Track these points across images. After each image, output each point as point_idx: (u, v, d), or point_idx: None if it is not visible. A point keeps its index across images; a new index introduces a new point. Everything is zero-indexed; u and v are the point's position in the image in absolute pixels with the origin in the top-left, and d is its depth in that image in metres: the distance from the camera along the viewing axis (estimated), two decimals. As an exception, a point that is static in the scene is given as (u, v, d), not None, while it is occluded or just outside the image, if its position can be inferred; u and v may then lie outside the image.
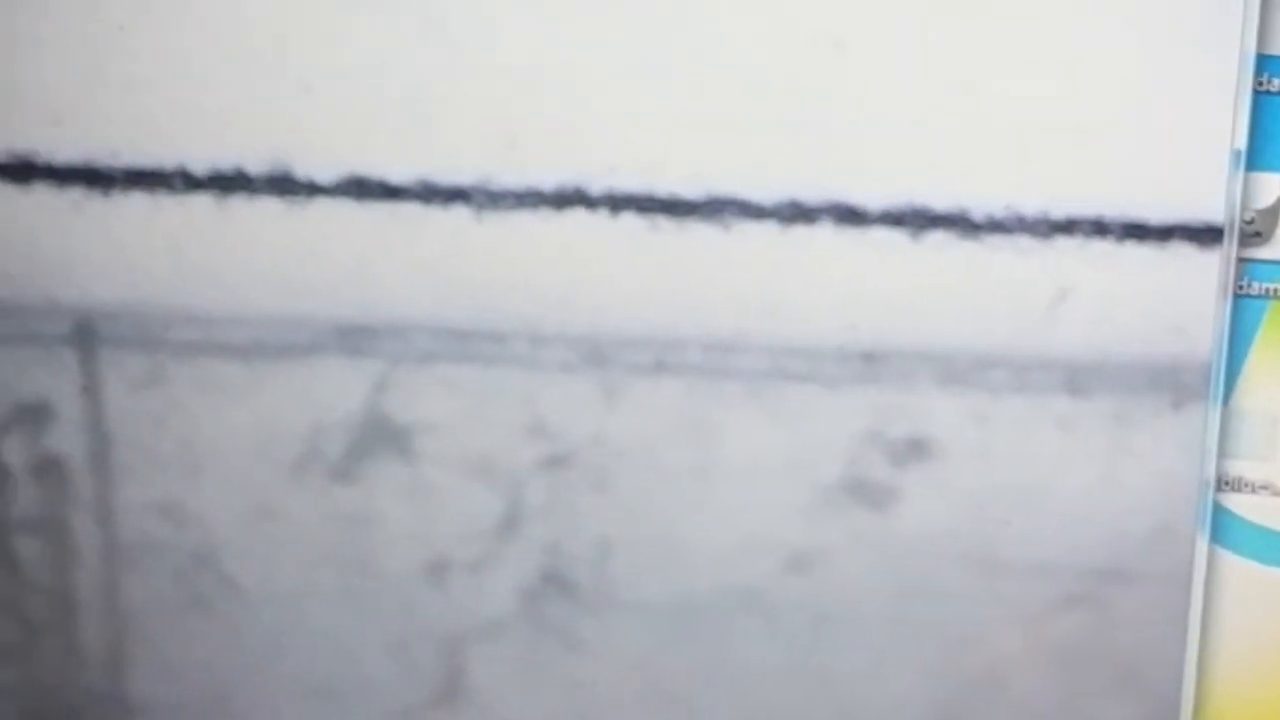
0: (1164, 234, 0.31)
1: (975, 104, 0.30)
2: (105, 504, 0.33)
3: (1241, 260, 0.32)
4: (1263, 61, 0.31)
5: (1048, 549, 0.32)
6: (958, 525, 0.32)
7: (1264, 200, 0.32)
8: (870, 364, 0.32)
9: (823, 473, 0.32)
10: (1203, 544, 0.32)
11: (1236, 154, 0.31)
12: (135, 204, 0.32)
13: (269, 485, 0.33)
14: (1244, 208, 0.31)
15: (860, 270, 0.31)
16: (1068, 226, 0.31)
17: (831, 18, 0.30)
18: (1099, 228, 0.31)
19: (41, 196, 0.32)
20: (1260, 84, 0.31)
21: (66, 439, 0.33)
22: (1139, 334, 0.31)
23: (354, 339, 0.32)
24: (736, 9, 0.30)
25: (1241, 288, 0.32)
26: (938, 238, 0.31)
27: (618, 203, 0.31)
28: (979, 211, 0.31)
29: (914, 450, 0.32)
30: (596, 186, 0.31)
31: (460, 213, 0.31)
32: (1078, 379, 0.32)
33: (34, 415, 0.33)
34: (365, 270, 0.32)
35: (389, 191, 0.31)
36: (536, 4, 0.30)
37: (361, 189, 0.31)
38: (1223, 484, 0.33)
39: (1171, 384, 0.31)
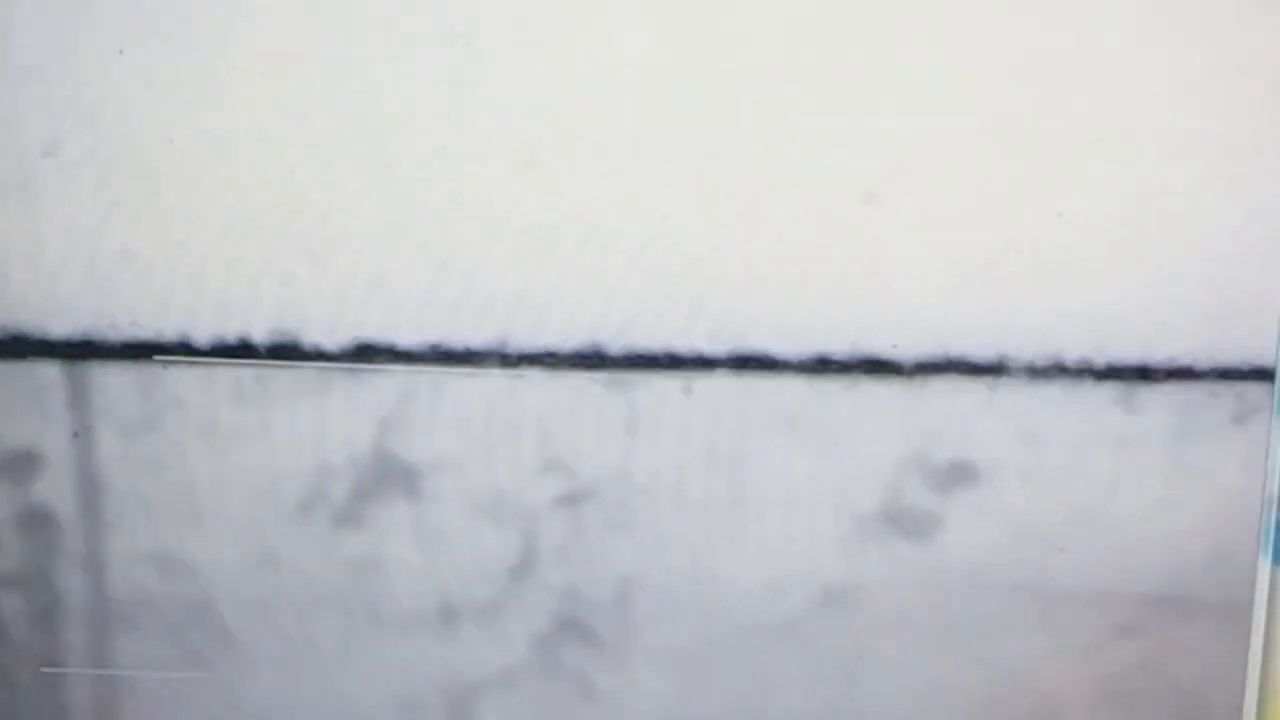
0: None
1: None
2: (95, 556, 0.31)
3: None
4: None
5: (1103, 577, 0.30)
6: (1006, 554, 0.30)
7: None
8: (911, 382, 0.29)
9: (861, 501, 0.30)
10: (1265, 567, 0.30)
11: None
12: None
13: (270, 531, 0.30)
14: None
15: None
16: (1109, 374, 0.29)
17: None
18: (1143, 373, 0.29)
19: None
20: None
21: (55, 488, 0.31)
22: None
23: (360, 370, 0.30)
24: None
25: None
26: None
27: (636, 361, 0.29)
28: (1018, 362, 0.29)
29: (958, 474, 0.29)
30: (615, 346, 0.29)
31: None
32: (1131, 393, 0.29)
33: (20, 464, 0.30)
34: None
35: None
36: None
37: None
38: (1287, 502, 0.30)
39: (1232, 396, 0.29)
